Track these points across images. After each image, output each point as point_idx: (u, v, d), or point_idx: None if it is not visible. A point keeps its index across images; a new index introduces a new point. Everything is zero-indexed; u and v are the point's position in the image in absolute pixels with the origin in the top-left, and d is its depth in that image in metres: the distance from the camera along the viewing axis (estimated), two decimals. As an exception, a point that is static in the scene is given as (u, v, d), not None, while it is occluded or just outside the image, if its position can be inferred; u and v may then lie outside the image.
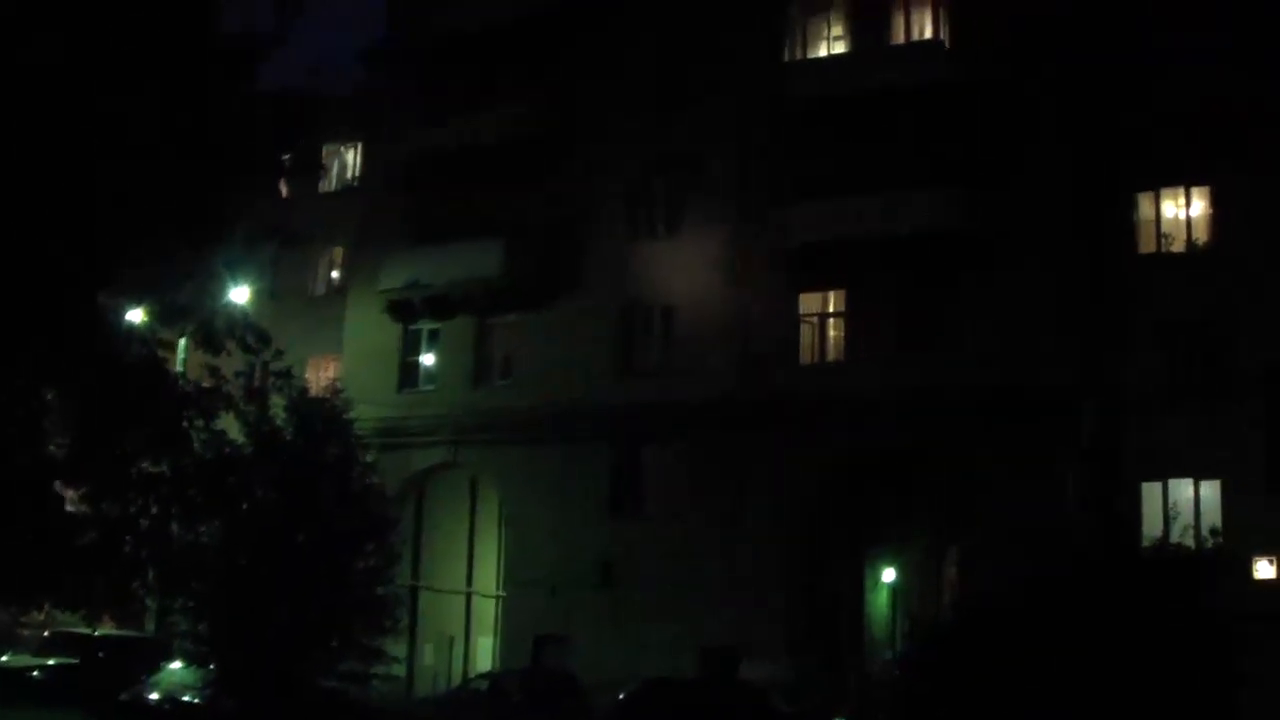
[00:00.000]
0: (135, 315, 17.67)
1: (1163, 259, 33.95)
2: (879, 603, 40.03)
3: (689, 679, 32.40)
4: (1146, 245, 34.36)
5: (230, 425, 22.63)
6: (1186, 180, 34.07)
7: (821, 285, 35.86)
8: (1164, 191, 34.40)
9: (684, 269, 37.00)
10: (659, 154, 38.29)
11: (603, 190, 38.70)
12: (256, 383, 25.92)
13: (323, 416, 27.45)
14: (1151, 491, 32.57)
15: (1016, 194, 33.46)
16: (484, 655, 39.79)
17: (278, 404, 26.82)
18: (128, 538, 17.96)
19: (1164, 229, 34.33)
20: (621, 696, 29.85)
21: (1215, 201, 33.79)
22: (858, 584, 38.46)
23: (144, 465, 17.92)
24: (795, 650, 33.71)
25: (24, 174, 13.90)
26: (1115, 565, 22.11)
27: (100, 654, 31.45)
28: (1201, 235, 33.95)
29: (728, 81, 37.38)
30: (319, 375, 39.46)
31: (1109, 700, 19.22)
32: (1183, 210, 34.29)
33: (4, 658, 33.11)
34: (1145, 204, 34.54)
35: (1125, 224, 34.35)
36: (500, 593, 39.39)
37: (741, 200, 36.60)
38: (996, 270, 33.17)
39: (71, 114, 13.92)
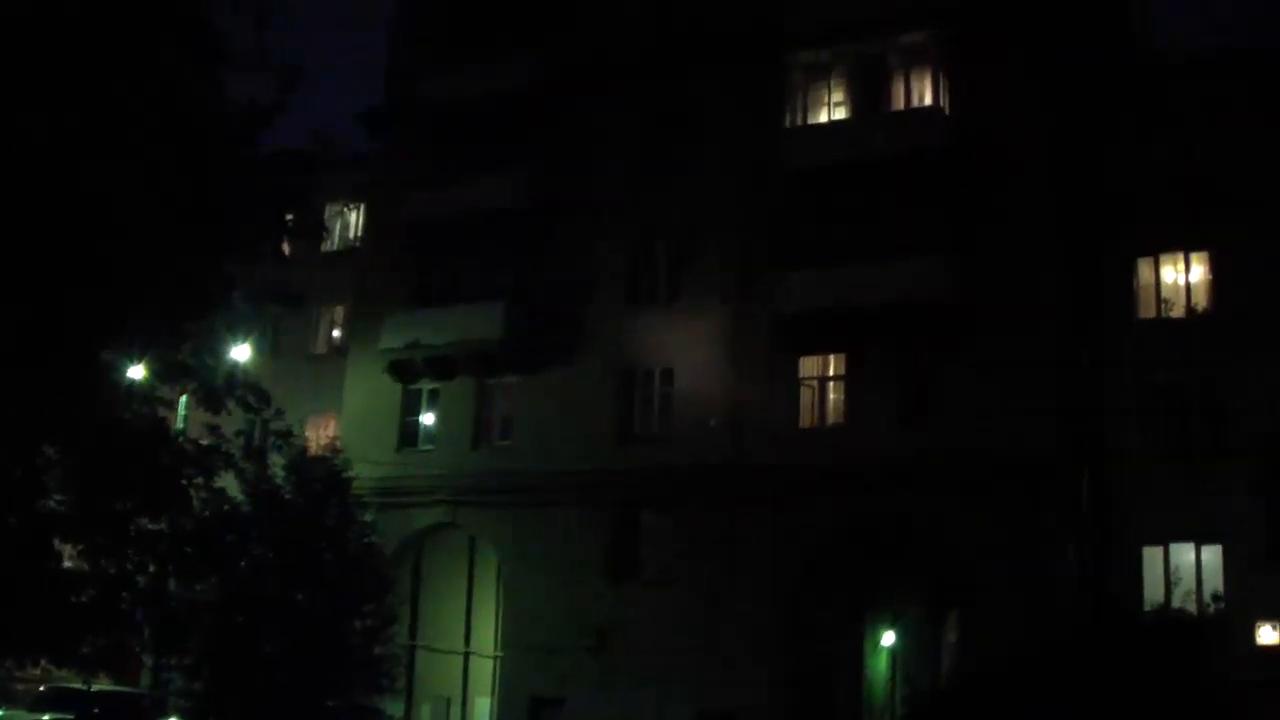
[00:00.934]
0: (136, 373, 17.72)
1: (1162, 324, 34.03)
2: (878, 667, 39.79)
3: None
4: (1146, 310, 34.44)
5: (230, 484, 22.65)
6: (1185, 245, 34.22)
7: (821, 350, 35.88)
8: (1163, 257, 34.54)
9: (683, 334, 37.05)
10: (657, 220, 38.44)
11: (602, 256, 38.81)
12: (256, 441, 25.94)
13: (322, 476, 27.48)
14: (1153, 556, 32.46)
15: (1012, 260, 33.55)
16: (481, 716, 39.53)
17: (277, 463, 26.87)
18: (125, 595, 17.94)
19: (1164, 294, 34.43)
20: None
21: (1214, 266, 33.93)
22: (857, 648, 38.24)
23: (143, 522, 17.93)
24: (791, 716, 33.53)
25: (27, 234, 14.00)
26: (1113, 632, 22.06)
27: (96, 710, 31.22)
28: (1201, 300, 34.04)
29: (726, 147, 37.65)
30: (319, 434, 39.48)
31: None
32: (1182, 275, 34.42)
33: (-1, 714, 32.93)
34: (1145, 269, 34.66)
35: (1124, 289, 34.46)
36: (498, 653, 39.21)
37: (740, 266, 36.70)
38: (994, 336, 33.15)
39: (75, 176, 14.03)
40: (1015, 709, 20.47)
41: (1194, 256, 34.29)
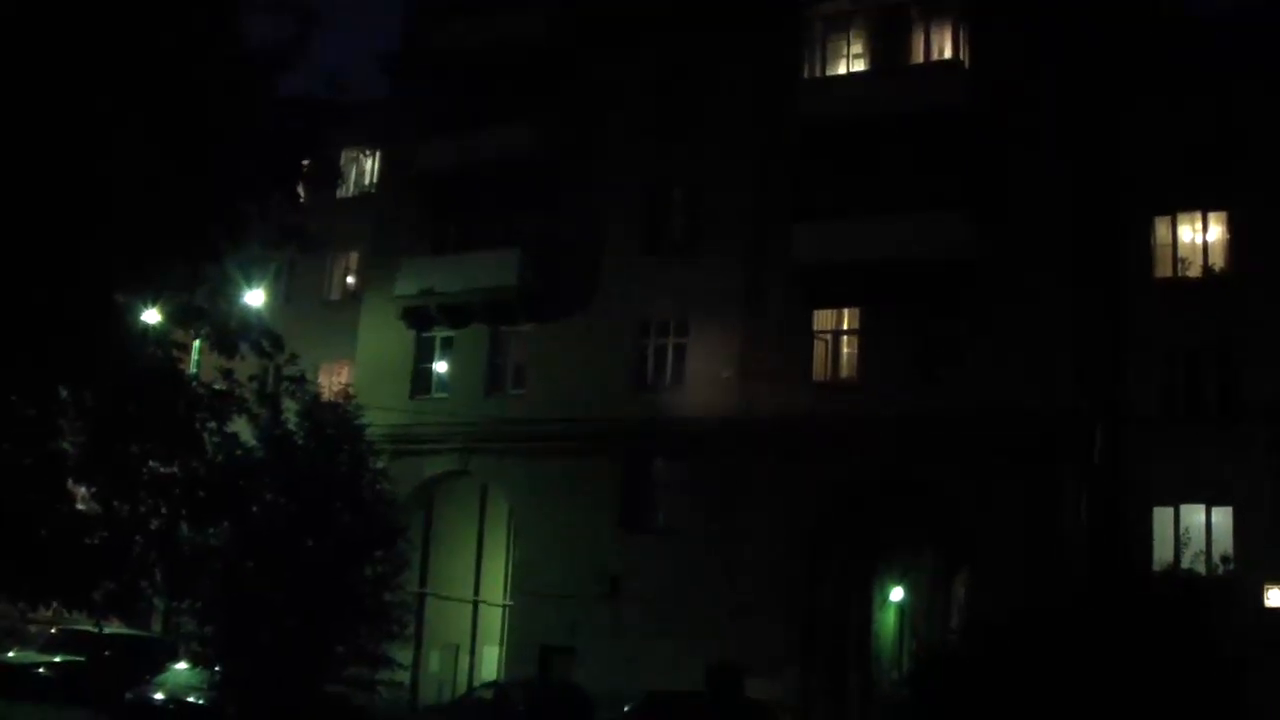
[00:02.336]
0: (151, 316, 17.67)
1: (1177, 284, 33.92)
2: (887, 621, 39.97)
3: (694, 694, 32.31)
4: (1162, 270, 34.31)
5: (242, 429, 22.65)
6: (1203, 205, 34.04)
7: (835, 304, 35.76)
8: (1180, 216, 34.37)
9: (698, 285, 36.97)
10: (674, 171, 38.31)
11: (618, 206, 38.71)
12: (269, 387, 25.93)
13: (335, 422, 27.45)
14: (1163, 516, 32.49)
15: (1029, 219, 33.31)
16: (489, 664, 39.76)
17: (290, 408, 26.86)
18: (137, 538, 17.94)
19: (1180, 254, 34.29)
20: (627, 710, 29.77)
21: (1231, 227, 33.76)
22: (866, 602, 38.38)
23: (155, 466, 17.90)
24: (801, 668, 33.64)
25: (40, 173, 13.94)
26: (1122, 592, 22.05)
27: (107, 652, 31.41)
28: (1218, 261, 33.91)
29: (743, 99, 37.46)
30: (332, 380, 39.52)
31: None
32: (1199, 235, 34.26)
33: (10, 654, 33.13)
34: (1162, 229, 34.50)
35: (1141, 249, 34.31)
36: (508, 602, 39.36)
37: (756, 217, 36.58)
38: (1008, 294, 33.00)
39: (88, 116, 13.95)
40: (1020, 666, 20.50)
41: (1212, 216, 34.16)
